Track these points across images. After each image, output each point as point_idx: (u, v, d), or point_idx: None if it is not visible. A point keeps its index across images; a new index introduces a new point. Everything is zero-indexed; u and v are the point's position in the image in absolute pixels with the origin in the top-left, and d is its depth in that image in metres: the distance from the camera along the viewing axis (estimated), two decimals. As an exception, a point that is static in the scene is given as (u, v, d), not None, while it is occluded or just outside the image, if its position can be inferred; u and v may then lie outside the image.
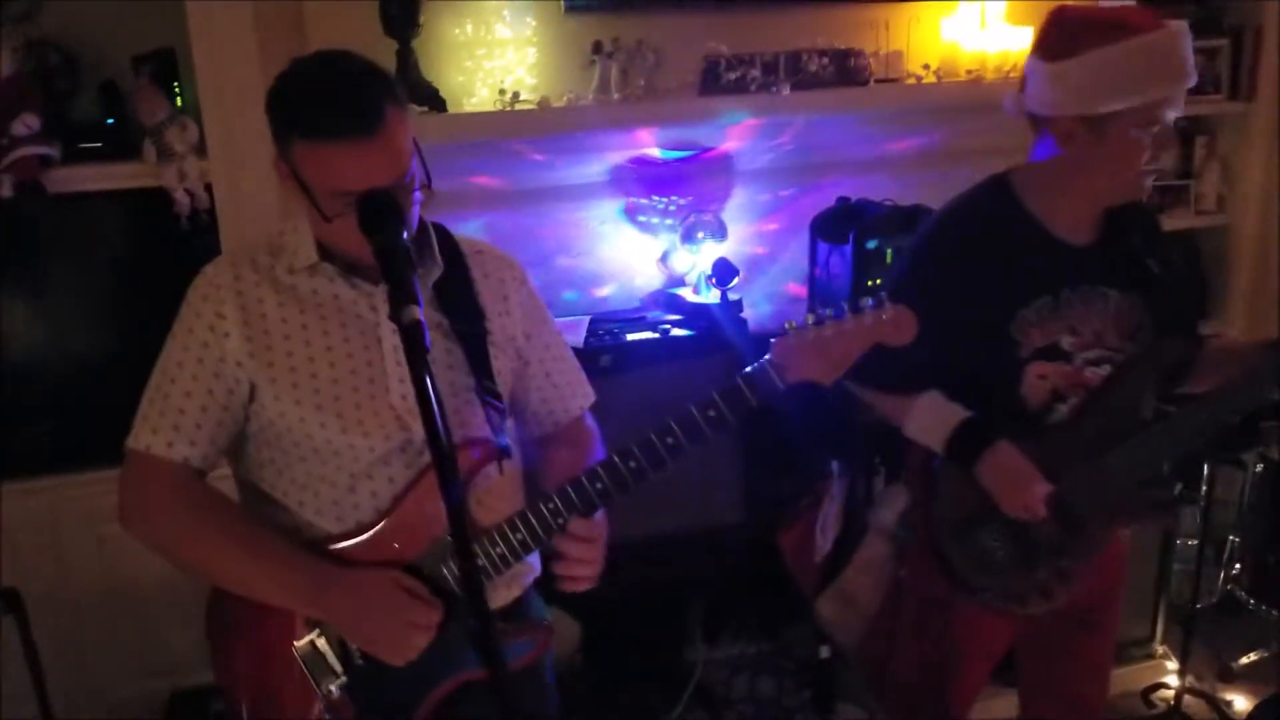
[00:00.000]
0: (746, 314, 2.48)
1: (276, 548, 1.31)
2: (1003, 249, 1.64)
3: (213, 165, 2.33)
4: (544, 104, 2.35)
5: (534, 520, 1.31)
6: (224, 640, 1.40)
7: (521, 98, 2.36)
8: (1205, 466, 2.89)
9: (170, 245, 2.32)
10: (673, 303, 2.54)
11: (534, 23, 2.42)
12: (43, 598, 2.37)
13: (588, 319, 2.44)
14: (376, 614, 1.27)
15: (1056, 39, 1.57)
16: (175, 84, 2.39)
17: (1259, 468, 2.80)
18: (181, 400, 1.31)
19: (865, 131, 2.64)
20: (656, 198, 2.55)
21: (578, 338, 2.34)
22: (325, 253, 1.33)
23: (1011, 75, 2.67)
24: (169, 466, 1.31)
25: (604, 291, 2.65)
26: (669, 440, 1.29)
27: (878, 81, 2.59)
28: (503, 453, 1.36)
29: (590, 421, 1.57)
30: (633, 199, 2.57)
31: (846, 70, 2.55)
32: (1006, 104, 1.65)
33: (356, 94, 1.20)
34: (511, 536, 1.31)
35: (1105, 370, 1.66)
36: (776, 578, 2.53)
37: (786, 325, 1.30)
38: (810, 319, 1.30)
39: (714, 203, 2.60)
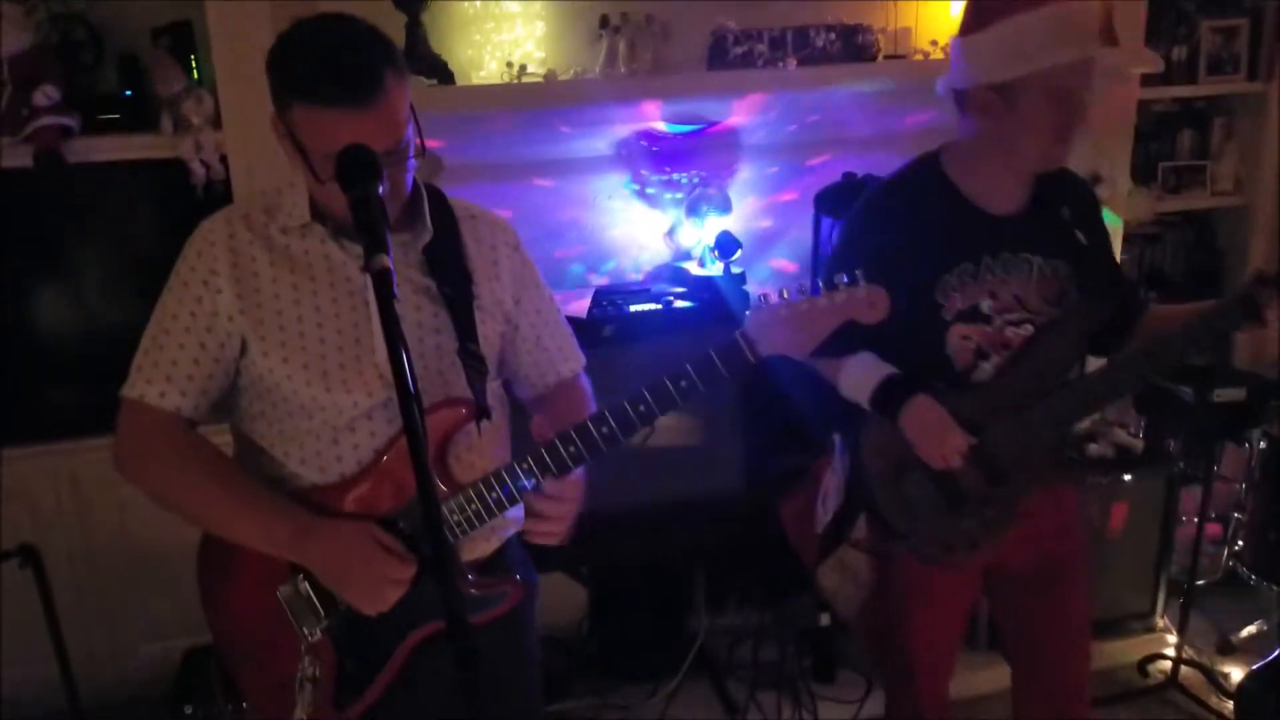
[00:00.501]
0: (750, 287, 2.50)
1: (259, 495, 1.36)
2: (928, 219, 1.72)
3: (228, 136, 2.39)
4: (550, 77, 2.38)
5: (509, 479, 1.34)
6: (212, 582, 1.46)
7: (529, 71, 2.39)
8: (1213, 445, 2.91)
9: (186, 215, 2.35)
10: (677, 275, 2.57)
11: (543, -3, 2.45)
12: (63, 556, 2.47)
13: (593, 290, 2.47)
14: (352, 564, 1.31)
15: (971, 13, 1.65)
16: (193, 56, 2.45)
17: (1263, 445, 2.80)
18: (175, 352, 1.35)
19: (873, 107, 2.64)
20: (663, 172, 2.57)
21: (581, 309, 2.38)
22: (318, 214, 1.36)
23: (1021, 51, 2.66)
24: (161, 415, 1.36)
25: (611, 264, 2.68)
26: (640, 408, 1.32)
27: (886, 58, 2.59)
28: (482, 412, 1.39)
29: (584, 382, 1.60)
30: (639, 173, 2.59)
31: (854, 46, 2.55)
32: (938, 87, 1.72)
33: (357, 60, 1.21)
34: (486, 494, 1.35)
35: (1026, 331, 1.73)
36: (778, 548, 2.57)
37: (761, 299, 1.32)
38: (784, 294, 1.32)
39: (720, 177, 2.62)
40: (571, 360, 1.59)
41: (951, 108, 1.73)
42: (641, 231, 2.66)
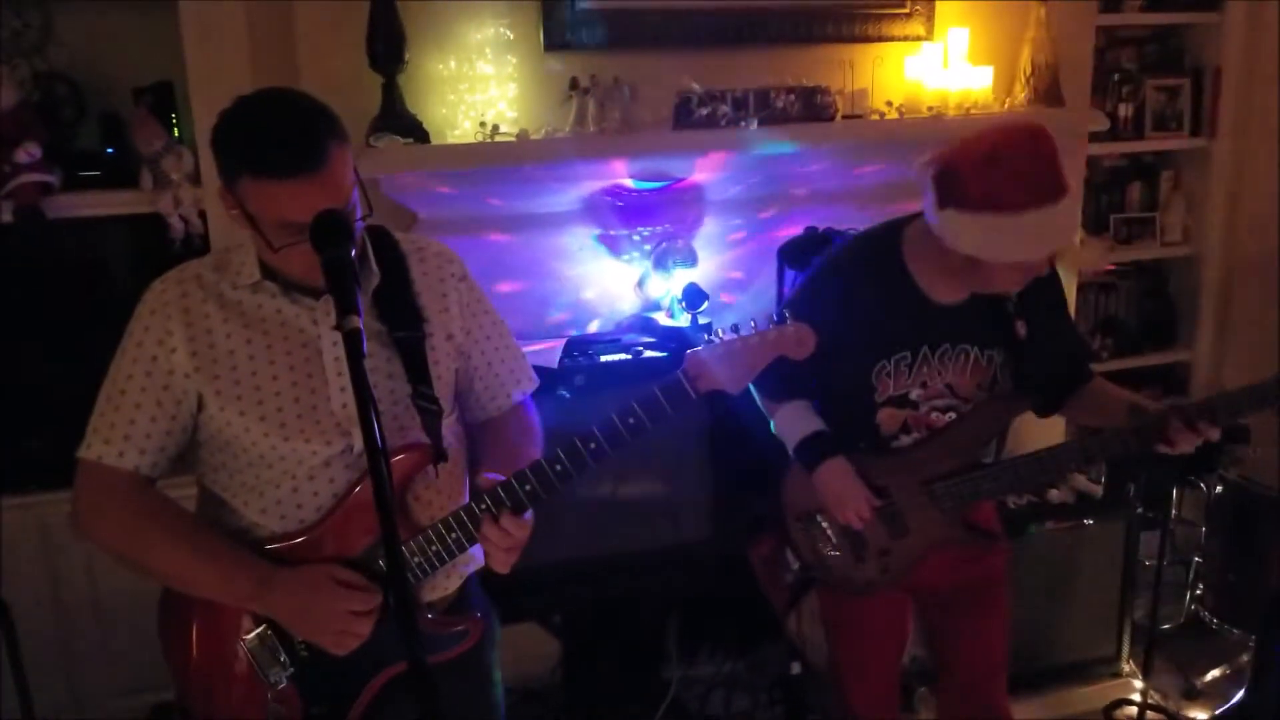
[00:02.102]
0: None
1: (219, 549, 1.39)
2: (877, 302, 1.79)
3: (206, 193, 2.44)
4: (523, 136, 2.46)
5: (467, 520, 1.40)
6: (174, 635, 1.47)
7: (502, 130, 2.47)
8: (1170, 489, 2.98)
9: (163, 268, 2.39)
10: (647, 326, 2.64)
11: (514, 60, 2.54)
12: (33, 608, 2.45)
13: (564, 341, 2.53)
14: (316, 607, 1.35)
15: (956, 191, 1.60)
16: (173, 115, 2.52)
17: (1219, 489, 2.88)
18: (131, 411, 1.38)
19: (832, 165, 2.74)
20: (630, 226, 2.65)
21: (553, 359, 2.43)
22: (267, 271, 1.40)
23: (971, 112, 2.79)
24: (119, 475, 1.39)
25: (581, 314, 2.74)
26: (592, 445, 1.39)
27: (844, 118, 2.70)
28: (439, 454, 1.44)
29: (529, 412, 1.64)
30: (608, 227, 2.66)
31: (813, 106, 2.66)
32: (914, 172, 1.73)
33: (302, 133, 1.28)
34: (446, 535, 1.40)
35: (949, 416, 1.85)
36: (749, 594, 2.60)
37: (703, 338, 1.42)
38: (720, 332, 1.42)
39: (686, 231, 2.70)
40: (524, 382, 1.64)
41: (913, 162, 1.74)
42: (612, 283, 2.73)
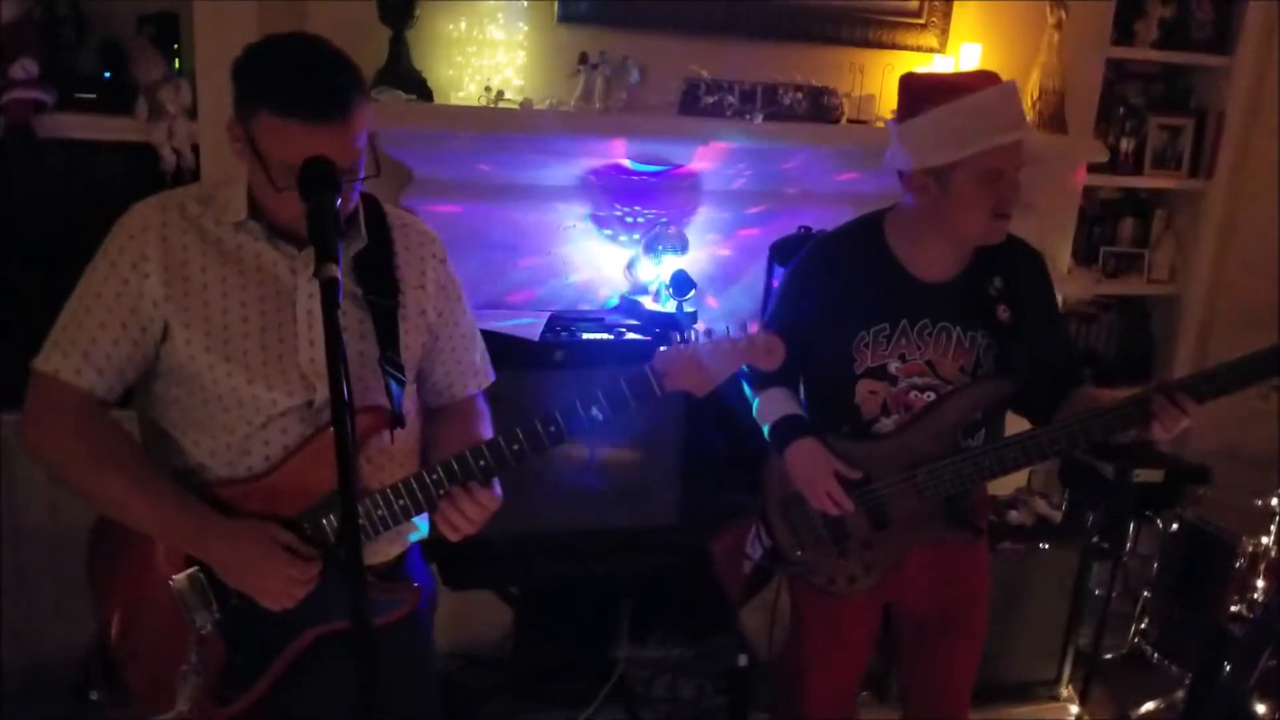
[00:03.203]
0: (700, 326, 2.57)
1: (165, 487, 1.36)
2: (857, 275, 1.84)
3: (201, 128, 2.42)
4: (526, 105, 2.45)
5: (417, 488, 1.39)
6: (103, 567, 1.45)
7: (506, 96, 2.46)
8: (1128, 523, 3.03)
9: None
10: (632, 309, 2.64)
11: (526, 27, 2.52)
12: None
13: (547, 315, 2.53)
14: (254, 564, 1.34)
15: (904, 102, 1.78)
16: (175, 46, 2.48)
17: (1175, 527, 2.92)
18: (95, 330, 1.35)
19: (833, 167, 2.75)
20: (625, 208, 2.65)
21: (535, 331, 2.43)
22: (255, 213, 1.39)
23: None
24: (74, 392, 1.35)
25: (569, 291, 2.74)
26: (551, 428, 1.40)
27: (849, 121, 2.71)
28: (396, 420, 1.44)
29: (482, 402, 1.65)
30: (603, 206, 2.66)
31: (819, 107, 2.66)
32: (886, 161, 1.83)
33: (330, 80, 1.28)
34: (394, 501, 1.39)
35: (928, 397, 1.85)
36: (706, 584, 2.62)
37: (674, 338, 1.42)
38: (694, 335, 1.42)
39: (679, 218, 2.70)
40: (481, 376, 1.65)
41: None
42: (602, 262, 2.73)
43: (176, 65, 2.47)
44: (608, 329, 2.52)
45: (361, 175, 1.34)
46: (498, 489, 1.44)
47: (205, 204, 1.41)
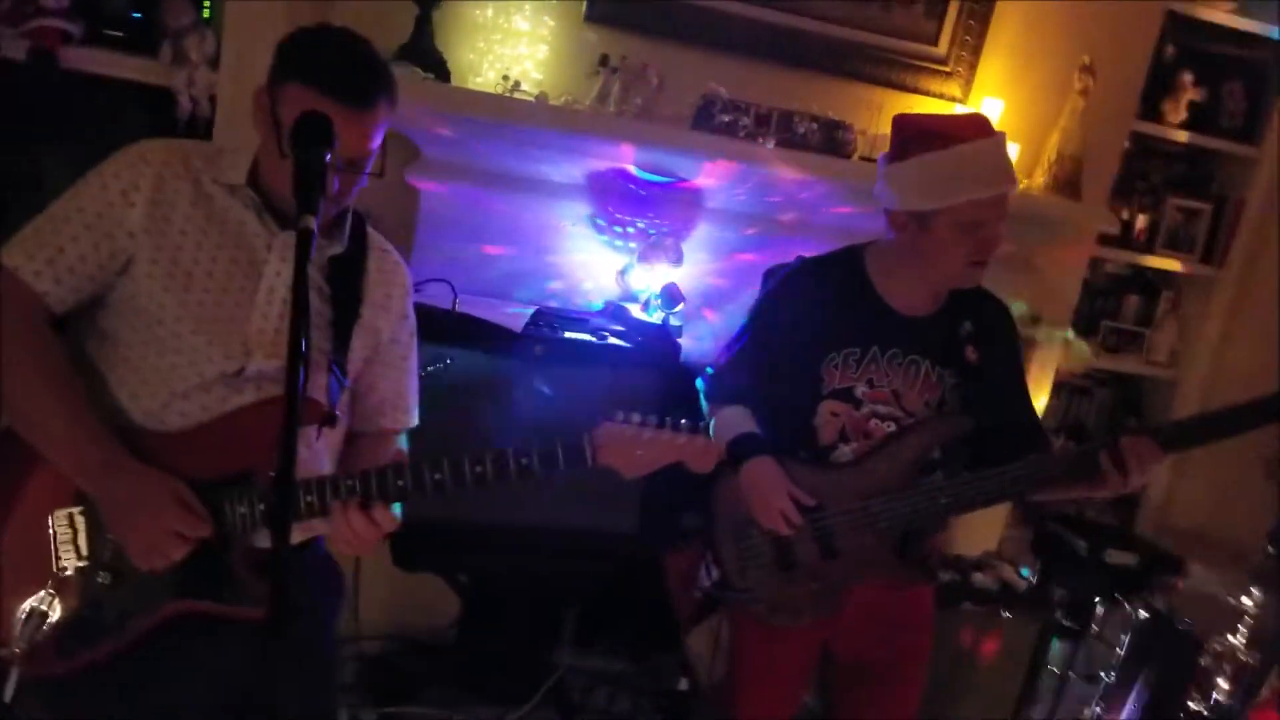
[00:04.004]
0: (683, 342, 2.57)
1: (86, 414, 1.33)
2: (835, 300, 1.86)
3: (221, 80, 2.45)
4: (542, 99, 2.46)
5: (329, 489, 1.38)
6: None
7: (522, 88, 2.48)
8: (1097, 603, 2.98)
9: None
10: (619, 315, 2.63)
11: (552, 23, 2.54)
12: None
13: (535, 309, 2.53)
14: (145, 512, 1.31)
15: (895, 142, 1.80)
16: (206, -3, 2.52)
17: (1142, 614, 2.87)
18: (67, 242, 1.37)
19: (839, 201, 2.74)
20: (625, 213, 2.65)
21: (518, 323, 2.43)
22: (253, 183, 1.43)
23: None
24: (29, 293, 1.35)
25: (559, 288, 2.74)
26: (477, 469, 1.39)
27: (860, 158, 2.70)
28: (329, 418, 1.45)
29: (403, 443, 1.65)
30: (604, 209, 2.66)
31: (833, 140, 2.66)
32: (874, 195, 1.86)
33: (368, 73, 1.37)
34: (302, 496, 1.38)
35: (889, 427, 1.84)
36: (656, 600, 2.59)
37: (618, 414, 1.42)
38: (636, 417, 1.42)
39: (678, 231, 2.70)
40: (406, 416, 1.67)
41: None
42: (596, 265, 2.73)
43: (206, 14, 2.51)
44: (592, 331, 2.51)
45: (368, 170, 1.39)
46: (397, 511, 1.42)
47: (209, 161, 1.46)
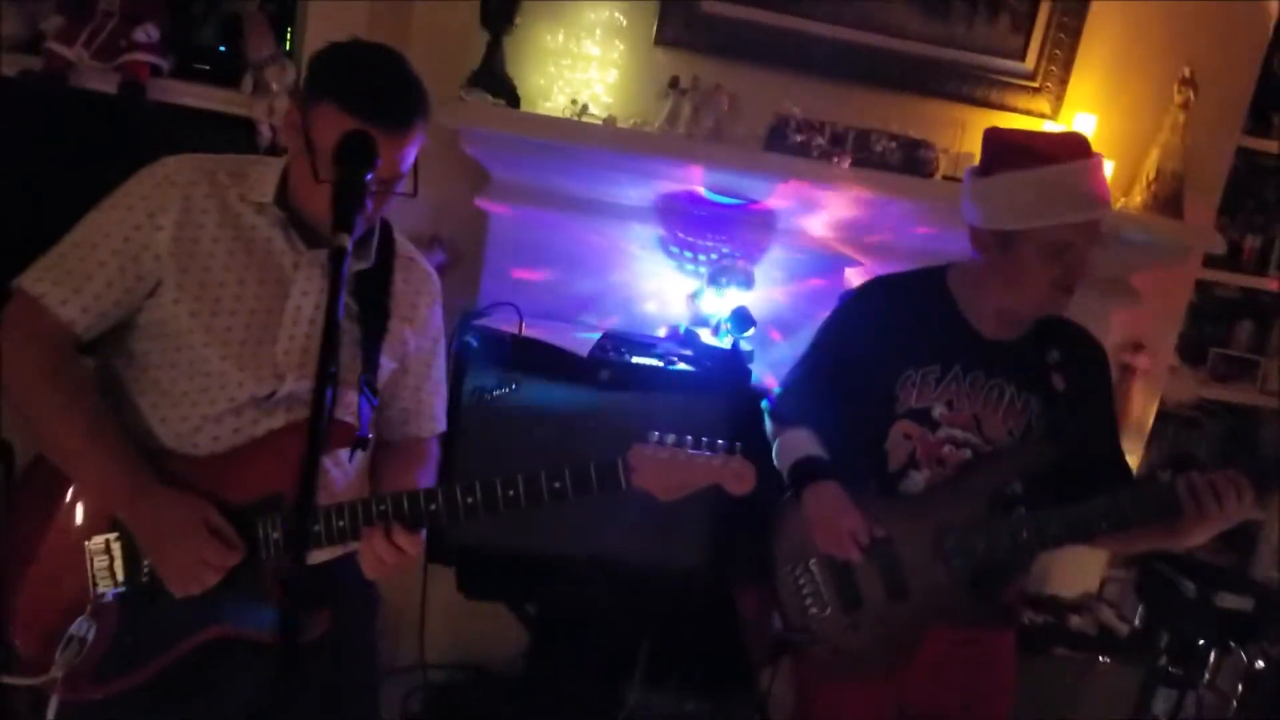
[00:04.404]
0: (754, 367, 2.49)
1: (114, 442, 1.32)
2: (913, 316, 1.77)
3: (301, 109, 2.51)
4: (609, 122, 2.44)
5: (361, 512, 1.36)
6: (22, 514, 1.40)
7: (590, 111, 2.46)
8: (1211, 652, 2.75)
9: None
10: (689, 340, 2.58)
11: (622, 46, 2.53)
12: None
13: (600, 333, 2.49)
14: (174, 537, 1.30)
15: (983, 157, 1.74)
16: (289, 29, 2.59)
17: (1260, 664, 2.64)
18: (94, 267, 1.35)
19: (918, 222, 2.64)
20: (696, 236, 2.60)
21: (585, 347, 2.39)
22: (281, 200, 1.41)
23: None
24: (55, 322, 1.34)
25: (630, 314, 2.70)
26: (510, 493, 1.37)
27: (944, 178, 2.60)
28: (360, 442, 1.44)
29: (434, 447, 1.64)
30: (675, 232, 2.62)
31: (913, 159, 2.56)
32: (962, 213, 1.78)
33: (403, 94, 1.34)
34: (335, 520, 1.36)
35: (965, 454, 1.72)
36: (731, 634, 2.50)
37: (652, 435, 1.38)
38: (671, 439, 1.38)
39: (749, 253, 2.63)
40: (436, 422, 1.65)
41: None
42: (668, 289, 2.68)
43: (288, 46, 2.58)
44: (659, 355, 2.46)
45: (399, 190, 1.37)
46: (421, 534, 1.39)
47: (236, 177, 1.43)
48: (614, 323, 2.68)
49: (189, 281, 1.36)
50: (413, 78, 1.36)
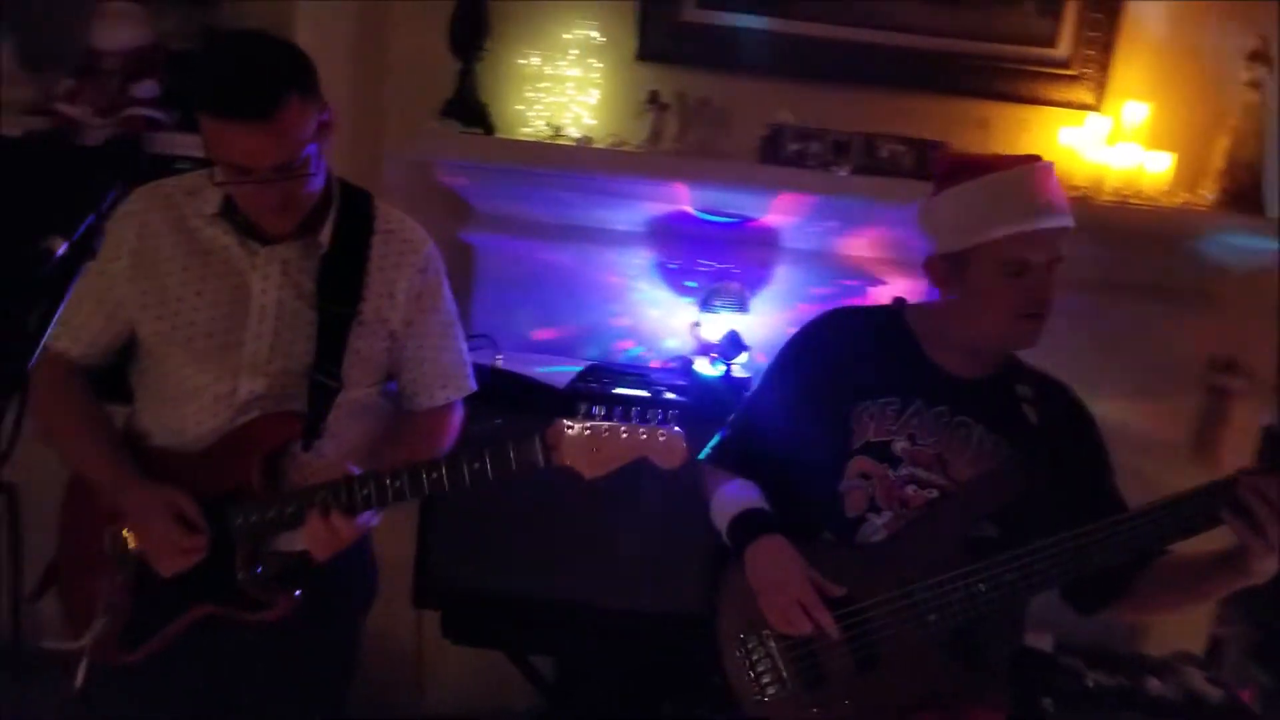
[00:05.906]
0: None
1: (105, 444, 1.50)
2: (870, 346, 1.59)
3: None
4: (584, 142, 2.33)
5: (302, 499, 1.44)
6: (68, 508, 1.58)
7: (569, 133, 2.36)
8: None
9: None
10: (685, 369, 2.41)
11: (601, 65, 2.42)
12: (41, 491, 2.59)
13: (582, 366, 2.36)
14: (150, 526, 1.44)
15: (934, 180, 1.59)
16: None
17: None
18: (85, 318, 1.51)
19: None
20: (690, 260, 2.44)
21: (562, 380, 2.26)
22: (231, 207, 1.45)
23: (1131, 201, 2.32)
24: (56, 356, 1.50)
25: (632, 345, 2.56)
26: (433, 475, 1.41)
27: (965, 181, 2.33)
28: (310, 430, 1.47)
29: (454, 415, 1.66)
30: (668, 256, 2.47)
31: (927, 163, 2.32)
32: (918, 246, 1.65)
33: (254, 80, 1.32)
34: (284, 506, 1.45)
35: (931, 495, 1.50)
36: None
37: (580, 408, 1.36)
38: (596, 412, 1.36)
39: (749, 275, 2.44)
40: (450, 387, 1.63)
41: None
42: (665, 317, 2.52)
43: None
44: (646, 385, 2.30)
45: (312, 172, 1.38)
46: (373, 519, 1.46)
47: (191, 194, 1.50)
48: (616, 353, 2.54)
49: (150, 301, 1.46)
50: (267, 59, 1.34)
